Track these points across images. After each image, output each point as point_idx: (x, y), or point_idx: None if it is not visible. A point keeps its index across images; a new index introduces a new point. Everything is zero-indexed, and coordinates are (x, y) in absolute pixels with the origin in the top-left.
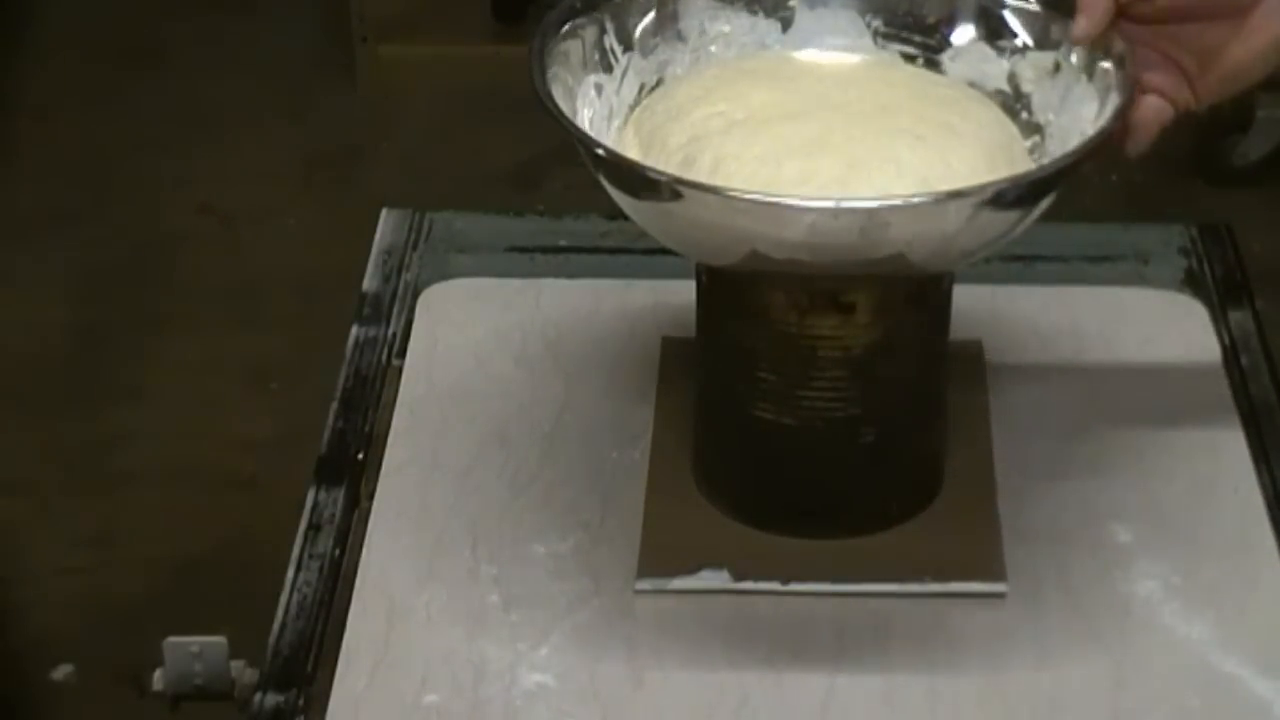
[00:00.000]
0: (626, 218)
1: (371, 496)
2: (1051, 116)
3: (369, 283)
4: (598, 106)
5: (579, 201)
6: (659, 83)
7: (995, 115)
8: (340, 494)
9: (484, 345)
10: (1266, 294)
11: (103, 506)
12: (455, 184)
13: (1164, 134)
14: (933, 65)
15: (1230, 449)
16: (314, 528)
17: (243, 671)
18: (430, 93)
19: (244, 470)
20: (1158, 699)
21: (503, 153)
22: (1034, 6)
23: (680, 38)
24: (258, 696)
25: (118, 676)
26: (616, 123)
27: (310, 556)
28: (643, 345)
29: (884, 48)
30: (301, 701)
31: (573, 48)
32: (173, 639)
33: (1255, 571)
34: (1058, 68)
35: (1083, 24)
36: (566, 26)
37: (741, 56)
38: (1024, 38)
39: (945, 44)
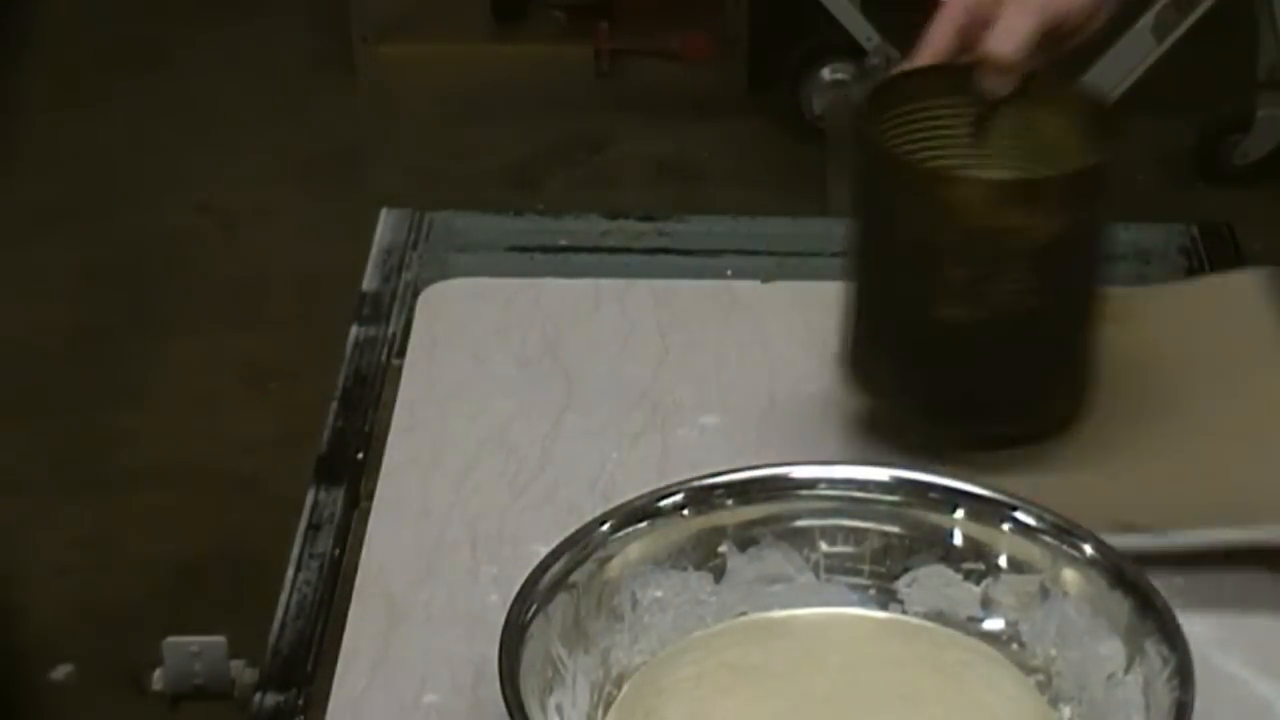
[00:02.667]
0: (626, 217)
1: (371, 496)
2: (1054, 652)
3: (369, 282)
4: None
5: (579, 201)
6: (615, 679)
7: (1014, 679)
8: (340, 494)
9: (484, 345)
10: None
11: (103, 506)
12: (455, 184)
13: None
14: (887, 594)
15: None
16: (314, 528)
17: (243, 671)
18: (430, 93)
19: (244, 470)
20: None
21: (503, 153)
22: (1005, 527)
23: (615, 615)
24: (258, 696)
25: (118, 676)
26: None
27: (310, 556)
28: (643, 345)
29: (829, 580)
30: (301, 701)
31: (531, 660)
32: (172, 639)
33: (1255, 571)
34: (1045, 593)
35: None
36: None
37: (705, 635)
38: (995, 559)
39: (900, 570)
